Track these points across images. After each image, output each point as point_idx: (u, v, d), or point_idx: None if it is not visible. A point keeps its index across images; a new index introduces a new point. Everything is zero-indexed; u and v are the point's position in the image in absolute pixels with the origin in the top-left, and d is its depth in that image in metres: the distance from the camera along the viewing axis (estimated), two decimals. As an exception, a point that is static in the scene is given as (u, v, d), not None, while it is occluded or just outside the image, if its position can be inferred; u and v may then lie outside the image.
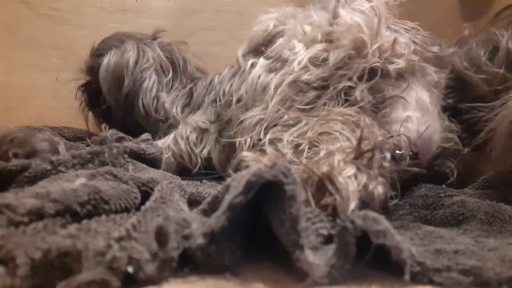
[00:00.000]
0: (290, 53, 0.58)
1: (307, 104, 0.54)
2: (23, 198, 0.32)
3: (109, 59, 0.82)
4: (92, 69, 0.86)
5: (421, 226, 0.43)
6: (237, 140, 0.58)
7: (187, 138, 0.73)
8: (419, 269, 0.29)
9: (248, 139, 0.55)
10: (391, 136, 0.47)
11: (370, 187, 0.39)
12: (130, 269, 0.27)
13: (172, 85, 0.84)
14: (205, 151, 0.71)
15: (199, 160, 0.71)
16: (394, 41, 0.55)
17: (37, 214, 0.31)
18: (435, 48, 0.59)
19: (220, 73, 0.77)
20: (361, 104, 0.52)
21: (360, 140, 0.42)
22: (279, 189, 0.30)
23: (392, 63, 0.54)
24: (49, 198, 0.32)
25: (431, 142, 0.55)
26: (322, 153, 0.43)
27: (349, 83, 0.53)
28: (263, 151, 0.49)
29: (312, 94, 0.54)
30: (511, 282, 0.28)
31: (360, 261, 0.29)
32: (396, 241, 0.28)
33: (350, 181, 0.38)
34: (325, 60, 0.56)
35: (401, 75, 0.55)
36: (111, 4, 1.08)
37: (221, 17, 1.11)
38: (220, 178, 0.64)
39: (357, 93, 0.52)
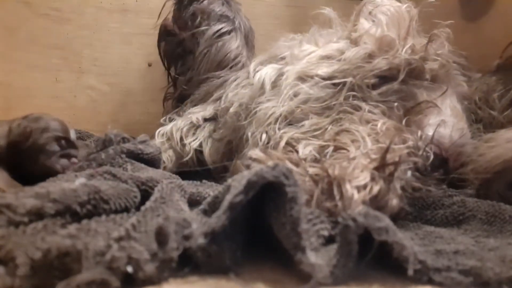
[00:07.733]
0: (300, 50, 0.56)
1: (325, 100, 0.51)
2: (23, 198, 0.32)
3: None
4: None
5: (421, 226, 0.43)
6: (249, 132, 0.55)
7: (180, 129, 0.75)
8: (420, 267, 0.29)
9: (264, 135, 0.52)
10: (421, 149, 0.44)
11: (385, 198, 0.38)
12: (129, 269, 0.27)
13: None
14: (194, 143, 0.73)
15: (190, 150, 0.73)
16: (430, 40, 0.50)
17: (37, 214, 0.31)
18: (463, 60, 0.58)
19: (237, 76, 0.77)
20: (383, 106, 0.48)
21: (386, 150, 0.41)
22: (280, 190, 0.30)
23: (427, 62, 0.50)
24: (49, 198, 0.32)
25: (463, 150, 0.51)
26: (346, 156, 0.42)
27: (373, 81, 0.49)
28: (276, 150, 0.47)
29: (330, 90, 0.51)
30: (511, 282, 0.28)
31: (362, 261, 0.29)
32: (398, 238, 0.28)
33: (356, 190, 0.37)
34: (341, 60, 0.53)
35: (435, 79, 0.51)
36: (111, 4, 1.08)
37: (221, 17, 1.11)
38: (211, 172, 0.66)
39: (383, 89, 0.48)
